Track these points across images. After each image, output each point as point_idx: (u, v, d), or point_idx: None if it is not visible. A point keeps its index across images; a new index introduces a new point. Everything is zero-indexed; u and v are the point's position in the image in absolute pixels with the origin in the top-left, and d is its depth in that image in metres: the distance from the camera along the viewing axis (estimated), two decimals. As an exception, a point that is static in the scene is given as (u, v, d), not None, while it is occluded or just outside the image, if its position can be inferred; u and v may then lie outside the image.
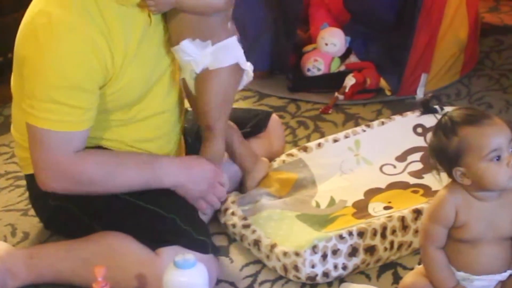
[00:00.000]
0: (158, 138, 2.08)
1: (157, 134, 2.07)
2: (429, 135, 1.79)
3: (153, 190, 2.00)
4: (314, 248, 1.96)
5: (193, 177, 2.02)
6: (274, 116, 2.46)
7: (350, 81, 2.93)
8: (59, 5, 1.83)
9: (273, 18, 3.08)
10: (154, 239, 1.91)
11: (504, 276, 1.75)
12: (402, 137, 2.47)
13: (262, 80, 3.05)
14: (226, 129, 2.15)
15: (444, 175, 1.75)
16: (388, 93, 2.95)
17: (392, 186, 2.32)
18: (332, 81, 3.00)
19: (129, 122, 2.01)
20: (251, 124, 2.37)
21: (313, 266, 1.96)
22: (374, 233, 2.01)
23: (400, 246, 2.05)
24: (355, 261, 2.00)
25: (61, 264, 1.96)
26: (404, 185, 2.32)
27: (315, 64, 3.05)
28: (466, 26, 3.00)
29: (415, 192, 2.27)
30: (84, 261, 1.92)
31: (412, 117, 2.49)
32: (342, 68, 3.06)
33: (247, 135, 2.34)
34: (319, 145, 2.43)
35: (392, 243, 2.03)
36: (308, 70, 3.06)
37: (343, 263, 1.99)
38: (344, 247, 1.99)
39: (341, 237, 1.99)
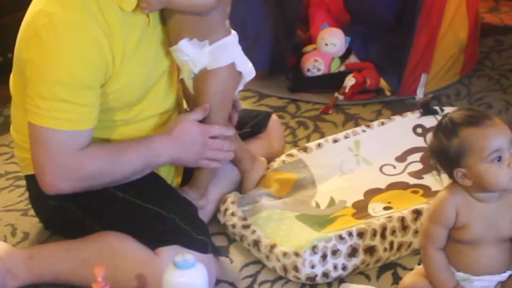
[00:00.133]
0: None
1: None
2: (429, 136, 1.79)
3: (153, 190, 2.01)
4: (313, 249, 1.96)
5: (183, 147, 2.01)
6: (274, 117, 2.46)
7: (350, 81, 2.93)
8: (59, 4, 1.83)
9: (273, 18, 3.08)
10: (154, 239, 1.92)
11: (504, 276, 1.75)
12: (402, 137, 2.47)
13: (262, 80, 3.04)
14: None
15: (444, 176, 1.75)
16: (388, 93, 2.95)
17: (392, 186, 2.32)
18: (332, 82, 3.00)
19: (130, 122, 2.01)
20: (251, 124, 2.37)
21: (312, 267, 1.96)
22: (374, 234, 2.01)
23: (400, 246, 2.05)
24: (355, 261, 2.00)
25: (61, 264, 1.96)
26: (404, 186, 2.32)
27: (315, 65, 3.05)
28: (466, 27, 3.00)
29: (415, 192, 2.27)
30: (84, 261, 1.92)
31: (412, 118, 2.49)
32: (342, 68, 3.05)
33: (247, 135, 2.34)
34: (319, 145, 2.43)
35: (391, 243, 2.03)
36: (308, 70, 3.06)
37: (343, 264, 1.99)
38: (343, 248, 1.99)
39: (340, 237, 1.99)
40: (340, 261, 1.98)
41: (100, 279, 1.73)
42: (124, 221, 1.96)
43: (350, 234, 2.00)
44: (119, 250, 1.92)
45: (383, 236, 2.02)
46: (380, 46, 3.01)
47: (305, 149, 2.41)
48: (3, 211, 2.36)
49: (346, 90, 2.91)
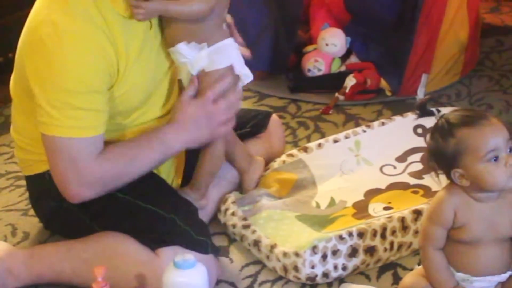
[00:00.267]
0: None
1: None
2: (428, 137, 1.79)
3: (153, 190, 2.01)
4: (314, 249, 1.96)
5: (192, 127, 1.99)
6: (274, 117, 2.46)
7: (350, 81, 2.93)
8: (62, 12, 1.82)
9: (273, 18, 3.08)
10: (154, 239, 1.92)
11: (503, 277, 1.75)
12: (402, 137, 2.47)
13: (262, 81, 3.05)
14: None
15: (443, 177, 1.75)
16: (388, 93, 2.95)
17: (392, 186, 2.32)
18: (332, 82, 3.00)
19: (128, 126, 2.01)
20: (251, 124, 2.37)
21: (313, 267, 1.96)
22: (374, 234, 2.01)
23: (400, 246, 2.05)
24: (355, 261, 2.00)
25: (61, 264, 1.97)
26: (404, 186, 2.32)
27: (316, 65, 3.05)
28: (467, 27, 3.00)
29: (415, 192, 2.27)
30: (84, 261, 1.93)
31: (413, 118, 2.49)
32: (343, 68, 3.06)
33: (247, 135, 2.34)
34: (319, 145, 2.43)
35: (392, 243, 2.03)
36: (309, 70, 3.06)
37: (343, 264, 1.99)
38: (344, 248, 1.99)
39: (341, 237, 1.99)
40: (340, 261, 1.98)
41: (100, 279, 1.73)
42: (125, 221, 1.96)
43: (350, 234, 2.00)
44: (119, 250, 1.92)
45: (383, 236, 2.02)
46: (380, 47, 3.01)
47: (305, 149, 2.41)
48: (4, 211, 2.36)
49: (347, 90, 2.92)
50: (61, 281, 1.98)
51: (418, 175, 2.35)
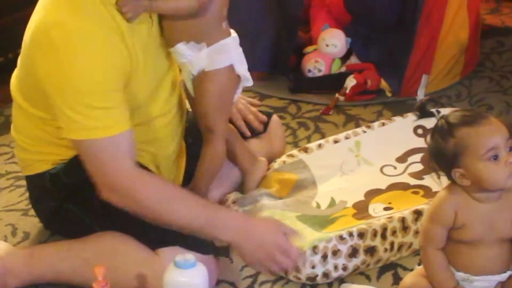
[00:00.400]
0: (159, 139, 2.08)
1: (158, 136, 2.07)
2: (429, 137, 1.79)
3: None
4: (314, 249, 1.96)
5: (251, 236, 1.86)
6: (274, 117, 2.46)
7: (350, 82, 2.93)
8: (70, 12, 1.79)
9: (273, 18, 3.08)
10: (154, 239, 1.91)
11: (503, 277, 1.75)
12: (402, 138, 2.47)
13: (262, 81, 3.05)
14: (226, 131, 2.15)
15: (444, 178, 1.75)
16: (388, 94, 2.96)
17: (392, 187, 2.32)
18: (332, 82, 3.00)
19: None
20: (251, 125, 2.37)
21: (313, 267, 1.96)
22: (374, 234, 2.01)
23: (400, 247, 2.05)
24: (355, 261, 2.00)
25: (62, 263, 1.96)
26: (404, 186, 2.32)
27: (316, 65, 3.05)
28: (467, 28, 3.00)
29: (415, 193, 2.28)
30: (85, 261, 1.92)
31: (413, 119, 2.49)
32: (343, 69, 3.06)
33: (247, 136, 2.34)
34: (319, 146, 2.43)
35: (392, 244, 2.03)
36: (309, 71, 3.06)
37: (343, 264, 1.99)
38: (344, 248, 1.98)
39: (341, 237, 1.99)
40: (341, 261, 1.98)
41: (101, 278, 1.73)
42: (125, 221, 1.95)
43: (350, 234, 2.00)
44: (119, 250, 1.92)
45: (383, 236, 2.02)
46: (381, 47, 3.01)
47: (305, 150, 2.41)
48: (4, 211, 2.36)
49: (347, 91, 2.92)
50: (61, 281, 1.98)
51: (418, 175, 2.35)
